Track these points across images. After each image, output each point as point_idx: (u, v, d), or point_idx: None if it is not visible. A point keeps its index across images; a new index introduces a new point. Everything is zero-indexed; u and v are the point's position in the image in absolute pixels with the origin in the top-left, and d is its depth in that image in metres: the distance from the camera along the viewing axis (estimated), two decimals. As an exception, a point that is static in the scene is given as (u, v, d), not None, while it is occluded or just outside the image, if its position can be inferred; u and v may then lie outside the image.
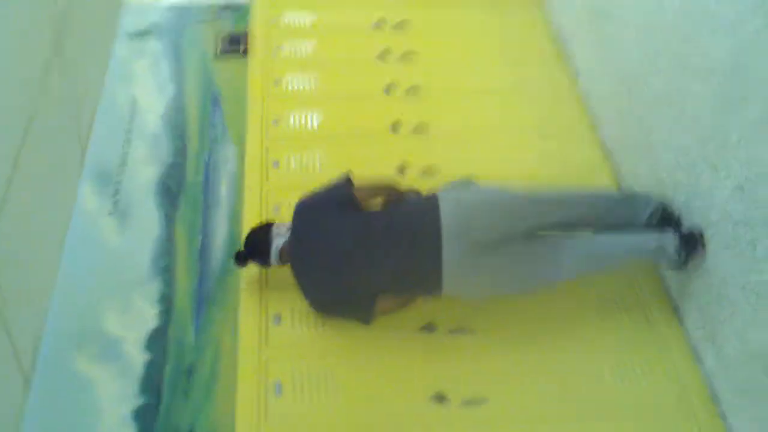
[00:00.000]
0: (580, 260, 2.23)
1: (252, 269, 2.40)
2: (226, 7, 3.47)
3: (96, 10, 3.12)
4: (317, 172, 2.80)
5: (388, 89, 3.10)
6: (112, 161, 2.80)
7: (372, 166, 2.79)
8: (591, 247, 2.26)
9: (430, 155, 2.85)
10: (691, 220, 2.27)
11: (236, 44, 3.29)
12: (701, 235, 2.19)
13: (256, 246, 2.32)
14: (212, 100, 3.07)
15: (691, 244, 2.19)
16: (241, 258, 2.34)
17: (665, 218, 2.31)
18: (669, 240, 2.21)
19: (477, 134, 2.96)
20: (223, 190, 2.77)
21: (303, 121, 3.00)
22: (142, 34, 3.31)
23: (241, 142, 2.91)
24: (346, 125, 2.99)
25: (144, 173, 2.78)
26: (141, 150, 2.86)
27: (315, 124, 2.99)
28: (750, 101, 1.99)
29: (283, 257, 2.29)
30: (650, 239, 2.25)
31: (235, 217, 2.67)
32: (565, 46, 3.35)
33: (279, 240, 2.28)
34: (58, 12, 2.51)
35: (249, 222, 2.55)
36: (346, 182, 2.34)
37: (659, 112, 2.49)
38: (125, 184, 2.74)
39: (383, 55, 3.25)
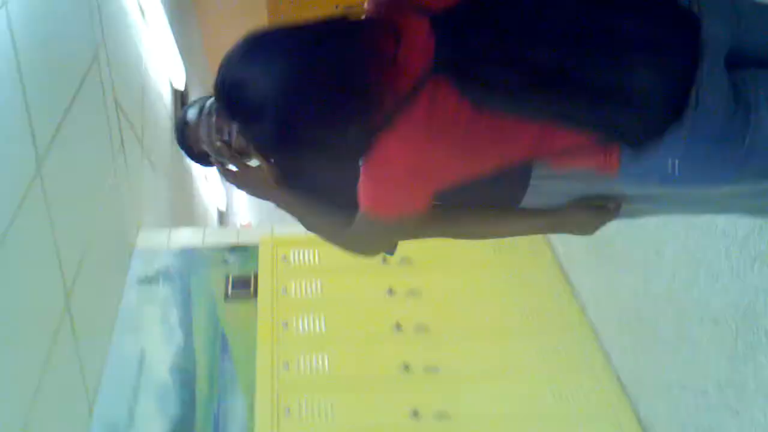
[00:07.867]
0: None
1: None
2: (235, 249, 3.57)
3: (108, 257, 3.19)
4: (330, 419, 2.75)
5: (398, 328, 3.13)
6: (120, 418, 2.73)
7: (384, 410, 2.79)
8: None
9: (443, 397, 2.83)
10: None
11: (245, 286, 3.35)
12: None
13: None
14: (221, 346, 3.06)
15: None
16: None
17: None
18: None
19: (490, 374, 2.94)
20: (234, 444, 2.69)
21: (315, 364, 2.98)
22: (150, 280, 3.38)
23: (250, 391, 2.87)
24: (358, 368, 2.98)
25: (152, 429, 2.71)
26: (149, 404, 2.80)
27: (327, 366, 2.97)
28: (759, 351, 2.03)
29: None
30: None
31: (246, 474, 2.58)
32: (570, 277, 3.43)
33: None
34: (75, 261, 2.57)
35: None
36: None
37: (670, 353, 2.51)
38: (133, 443, 2.66)
39: (391, 292, 3.30)
